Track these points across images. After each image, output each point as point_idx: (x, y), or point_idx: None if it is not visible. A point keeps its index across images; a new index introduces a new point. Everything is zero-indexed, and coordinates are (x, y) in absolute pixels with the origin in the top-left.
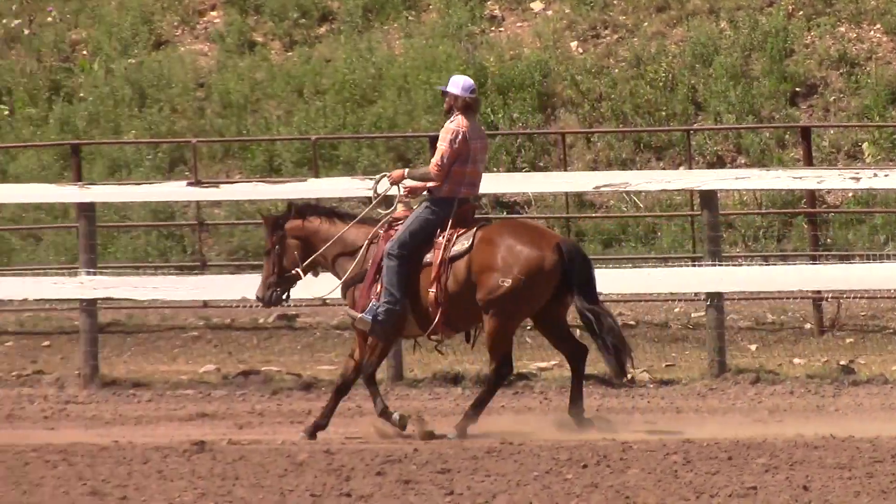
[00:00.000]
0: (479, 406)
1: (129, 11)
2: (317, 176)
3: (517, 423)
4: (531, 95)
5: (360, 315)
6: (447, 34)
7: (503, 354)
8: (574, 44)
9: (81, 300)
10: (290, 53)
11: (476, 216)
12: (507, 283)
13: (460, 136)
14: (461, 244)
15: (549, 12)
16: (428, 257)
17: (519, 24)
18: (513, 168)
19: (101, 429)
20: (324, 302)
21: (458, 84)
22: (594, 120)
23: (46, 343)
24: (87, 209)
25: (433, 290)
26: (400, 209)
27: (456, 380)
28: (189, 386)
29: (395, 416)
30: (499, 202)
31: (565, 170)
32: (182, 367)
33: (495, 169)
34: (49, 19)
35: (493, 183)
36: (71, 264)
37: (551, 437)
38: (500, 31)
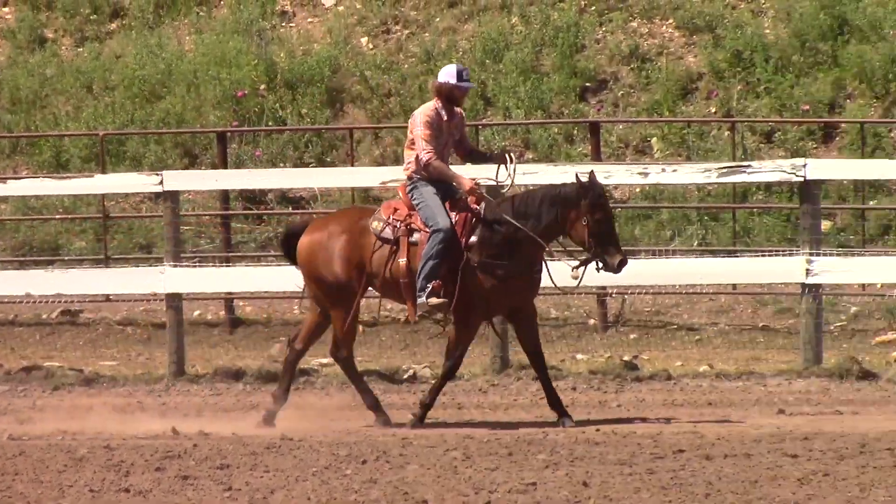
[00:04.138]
0: None
1: None
2: (104, 172)
3: (298, 420)
4: (320, 91)
5: None
6: (238, 30)
7: None
8: (364, 39)
9: None
10: (80, 49)
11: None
12: None
13: None
14: None
15: (341, 8)
16: None
17: (310, 20)
18: (300, 163)
19: None
20: (107, 298)
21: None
22: (382, 115)
23: None
24: None
25: None
26: None
27: (238, 375)
28: None
29: None
30: (285, 197)
31: (352, 165)
32: None
33: (282, 164)
34: None
35: (279, 178)
36: None
37: (332, 433)
38: (292, 27)
